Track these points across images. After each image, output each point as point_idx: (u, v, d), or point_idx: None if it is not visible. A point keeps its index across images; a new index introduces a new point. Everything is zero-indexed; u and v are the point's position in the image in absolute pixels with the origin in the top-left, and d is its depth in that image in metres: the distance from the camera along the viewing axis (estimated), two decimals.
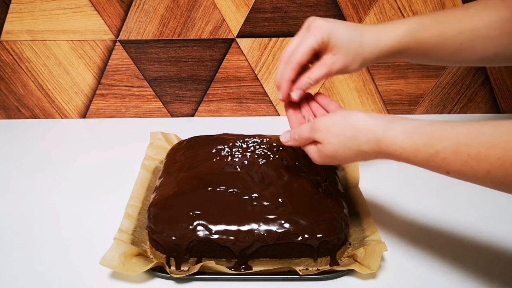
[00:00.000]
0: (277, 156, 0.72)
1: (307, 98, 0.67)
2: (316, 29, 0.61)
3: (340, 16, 0.92)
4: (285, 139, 0.64)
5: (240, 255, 0.62)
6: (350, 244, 0.66)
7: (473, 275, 0.62)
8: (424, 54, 0.67)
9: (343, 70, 0.64)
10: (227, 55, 0.96)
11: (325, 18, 0.63)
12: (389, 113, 1.02)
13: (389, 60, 0.68)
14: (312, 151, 0.61)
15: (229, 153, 0.73)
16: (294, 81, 0.64)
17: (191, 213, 0.63)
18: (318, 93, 0.68)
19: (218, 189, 0.66)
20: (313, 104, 0.67)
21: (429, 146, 0.52)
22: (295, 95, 0.64)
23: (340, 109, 0.65)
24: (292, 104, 0.67)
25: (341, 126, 0.58)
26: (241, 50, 0.95)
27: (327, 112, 0.66)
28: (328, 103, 0.66)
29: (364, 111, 0.62)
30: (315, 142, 0.61)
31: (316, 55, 0.64)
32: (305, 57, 0.62)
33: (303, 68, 0.64)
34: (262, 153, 0.73)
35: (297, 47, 0.62)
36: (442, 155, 0.51)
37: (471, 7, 0.66)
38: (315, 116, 0.66)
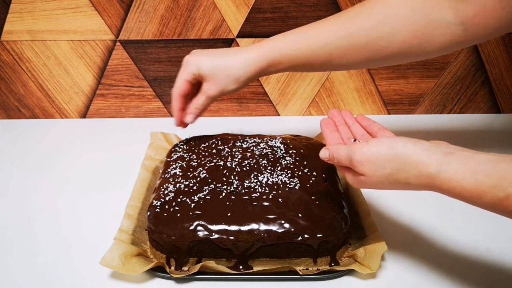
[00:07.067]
0: (277, 156, 0.72)
1: (345, 118, 0.66)
2: (186, 65, 0.70)
3: None
4: (324, 156, 0.60)
5: (240, 255, 0.62)
6: (350, 244, 0.66)
7: (473, 275, 0.62)
8: (298, 66, 0.70)
9: (221, 93, 0.70)
10: None
11: (197, 52, 0.71)
12: (389, 113, 1.02)
13: (271, 74, 0.72)
14: (351, 179, 0.58)
15: (229, 153, 0.73)
16: (184, 109, 0.73)
17: (191, 213, 0.63)
18: (360, 115, 0.66)
19: (218, 189, 0.66)
20: (354, 126, 0.65)
21: (497, 188, 0.47)
22: (189, 119, 0.73)
23: (383, 132, 0.61)
24: (327, 124, 0.66)
25: (387, 158, 0.53)
26: None
27: (368, 133, 0.63)
28: (370, 125, 0.64)
29: (409, 138, 0.55)
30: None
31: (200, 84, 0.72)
32: (183, 89, 0.71)
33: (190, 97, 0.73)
34: (262, 153, 0.73)
35: (176, 82, 0.71)
36: None
37: (342, 15, 0.68)
38: (354, 137, 0.63)
